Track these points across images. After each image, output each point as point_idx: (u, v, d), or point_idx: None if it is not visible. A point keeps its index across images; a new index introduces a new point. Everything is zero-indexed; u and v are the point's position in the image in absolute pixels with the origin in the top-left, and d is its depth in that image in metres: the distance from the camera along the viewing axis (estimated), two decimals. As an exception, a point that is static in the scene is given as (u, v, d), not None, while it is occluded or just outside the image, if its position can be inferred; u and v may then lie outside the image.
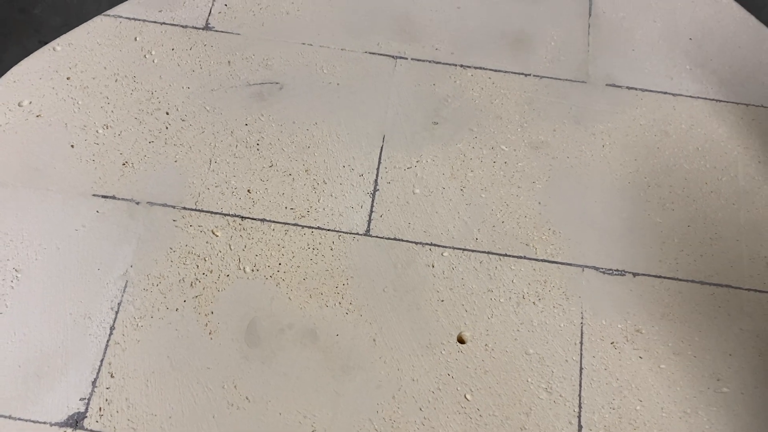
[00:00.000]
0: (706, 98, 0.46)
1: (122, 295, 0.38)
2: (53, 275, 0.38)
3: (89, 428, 0.36)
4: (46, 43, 0.86)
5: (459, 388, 0.37)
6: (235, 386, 0.37)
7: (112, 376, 0.37)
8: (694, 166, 0.43)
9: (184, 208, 0.40)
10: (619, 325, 0.38)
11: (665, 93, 0.45)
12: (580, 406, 0.37)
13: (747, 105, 0.46)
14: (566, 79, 0.45)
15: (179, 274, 0.38)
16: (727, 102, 0.46)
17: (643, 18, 0.48)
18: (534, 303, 0.39)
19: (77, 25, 0.87)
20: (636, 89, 0.46)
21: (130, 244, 0.39)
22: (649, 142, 0.43)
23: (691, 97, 0.46)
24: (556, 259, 0.40)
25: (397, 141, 0.43)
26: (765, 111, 0.46)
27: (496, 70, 0.45)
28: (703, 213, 0.42)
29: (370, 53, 0.45)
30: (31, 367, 0.36)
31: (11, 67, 0.86)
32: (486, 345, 0.38)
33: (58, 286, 0.38)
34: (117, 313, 0.38)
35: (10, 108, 0.42)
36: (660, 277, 0.40)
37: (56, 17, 0.88)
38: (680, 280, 0.40)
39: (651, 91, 0.45)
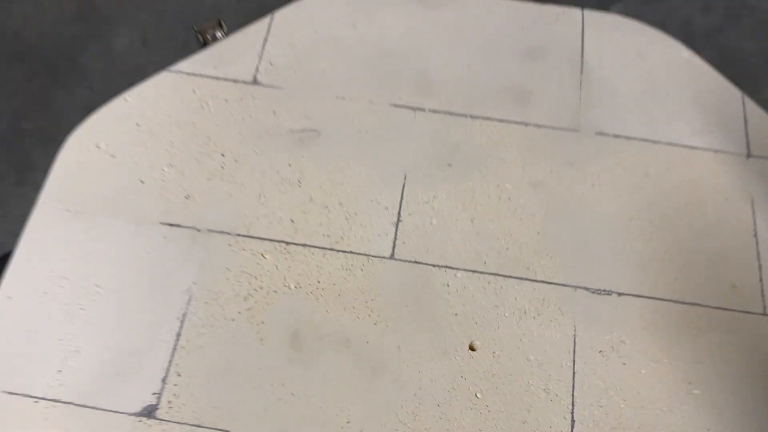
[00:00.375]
0: (680, 145, 0.53)
1: (187, 308, 0.45)
2: (128, 290, 0.45)
3: (160, 418, 0.42)
4: (92, 88, 0.94)
5: (470, 388, 0.43)
6: (282, 384, 0.43)
7: (179, 375, 0.43)
8: (671, 203, 0.50)
9: (238, 235, 0.47)
10: (606, 337, 0.45)
11: (646, 140, 0.53)
12: (573, 404, 0.43)
13: (716, 151, 0.53)
14: (561, 128, 0.52)
15: (234, 290, 0.45)
16: (699, 148, 0.53)
17: (627, 76, 0.56)
18: (534, 317, 0.46)
19: (121, 72, 0.96)
20: (621, 137, 0.53)
21: (193, 265, 0.46)
22: (631, 182, 0.50)
23: (668, 144, 0.53)
24: (552, 281, 0.47)
25: (417, 180, 0.50)
26: (731, 156, 0.53)
27: (500, 120, 0.53)
28: (678, 243, 0.49)
29: (394, 105, 0.53)
30: (112, 366, 0.42)
31: (58, 107, 0.94)
32: (493, 352, 0.44)
33: (133, 299, 0.44)
34: (182, 322, 0.44)
35: (89, 149, 0.50)
36: (641, 296, 0.46)
37: (99, 64, 0.97)
38: (658, 299, 0.47)
39: (634, 138, 0.53)
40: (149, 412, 0.41)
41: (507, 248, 0.47)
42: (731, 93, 0.55)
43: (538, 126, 0.52)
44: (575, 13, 0.58)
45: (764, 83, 0.98)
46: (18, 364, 0.42)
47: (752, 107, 0.54)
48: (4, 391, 0.41)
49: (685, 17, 1.03)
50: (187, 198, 0.48)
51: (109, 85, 0.93)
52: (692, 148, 0.52)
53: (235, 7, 0.99)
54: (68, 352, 0.43)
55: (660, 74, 0.56)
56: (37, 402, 0.41)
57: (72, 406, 0.41)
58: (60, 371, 0.42)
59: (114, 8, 0.99)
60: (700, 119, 0.53)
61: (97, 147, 0.50)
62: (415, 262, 0.47)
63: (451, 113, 0.52)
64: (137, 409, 0.41)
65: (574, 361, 0.44)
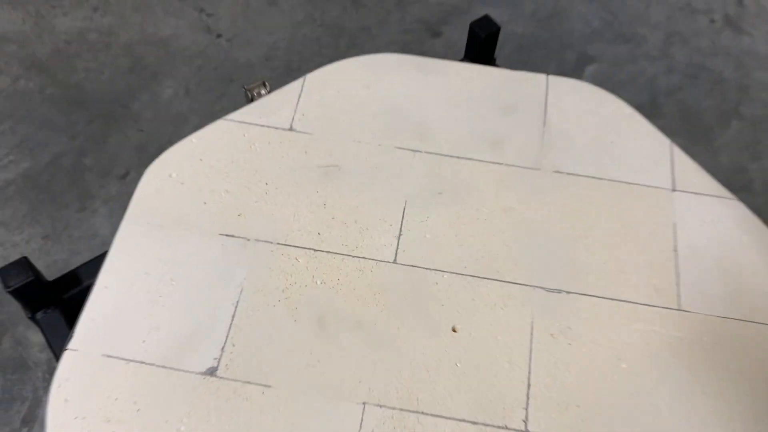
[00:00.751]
0: (620, 181, 0.67)
1: (239, 297, 0.59)
2: (195, 283, 0.59)
3: (220, 376, 0.55)
4: (142, 131, 1.09)
5: (452, 359, 0.57)
6: (310, 353, 0.56)
7: (233, 345, 0.56)
8: (610, 226, 0.63)
9: (278, 243, 0.61)
10: (556, 324, 0.58)
11: (592, 177, 0.67)
12: (529, 372, 0.56)
13: (648, 186, 0.67)
14: (526, 167, 0.67)
15: (275, 284, 0.59)
16: (634, 184, 0.67)
17: (580, 127, 0.70)
18: (501, 308, 0.59)
19: (166, 118, 1.11)
20: (573, 174, 0.67)
21: (243, 266, 0.60)
22: (580, 209, 0.64)
23: (610, 180, 0.67)
24: (517, 282, 0.60)
25: (414, 204, 0.64)
26: (659, 190, 0.67)
27: (480, 161, 0.67)
28: (614, 255, 0.62)
29: (398, 147, 0.67)
30: (183, 338, 0.56)
31: (113, 146, 1.09)
32: (470, 333, 0.58)
33: (199, 290, 0.58)
34: (236, 307, 0.58)
35: (163, 178, 0.64)
36: (584, 294, 0.60)
37: (148, 111, 1.13)
38: (597, 297, 0.60)
39: (583, 176, 0.67)
40: (211, 372, 0.55)
41: (483, 256, 0.61)
42: (662, 141, 0.69)
43: (509, 165, 0.67)
44: (541, 78, 0.73)
45: (716, 132, 1.13)
46: (113, 336, 0.56)
47: (677, 152, 0.69)
48: (103, 354, 0.55)
49: (650, 77, 1.19)
50: (239, 215, 0.62)
51: (157, 129, 1.08)
52: (629, 183, 0.66)
53: (264, 65, 1.16)
54: (150, 327, 0.56)
55: (606, 126, 0.70)
56: (127, 363, 0.55)
57: (154, 366, 0.55)
58: (144, 341, 0.56)
59: (161, 64, 1.16)
60: (637, 161, 0.68)
61: (170, 176, 0.64)
62: (413, 266, 0.60)
63: (441, 154, 0.67)
64: (202, 369, 0.55)
65: (531, 341, 0.57)
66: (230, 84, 1.12)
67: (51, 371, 0.88)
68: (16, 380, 0.86)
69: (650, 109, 1.12)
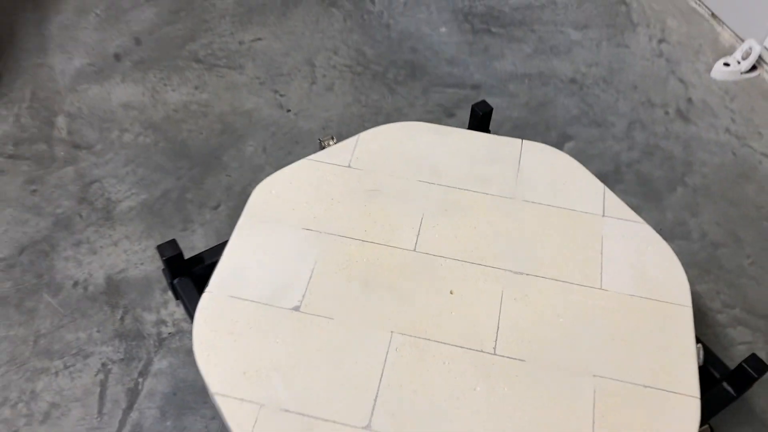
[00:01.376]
0: (567, 208, 0.98)
1: (314, 267, 0.89)
2: (286, 257, 0.89)
3: (302, 311, 0.85)
4: (230, 176, 1.42)
5: (449, 310, 0.86)
6: (359, 300, 0.86)
7: (311, 294, 0.86)
8: (559, 234, 0.94)
9: (339, 235, 0.92)
10: (518, 293, 0.87)
11: (549, 205, 0.97)
12: (498, 320, 0.85)
13: (587, 213, 0.97)
14: (504, 197, 0.98)
15: (337, 260, 0.89)
16: (578, 211, 0.98)
17: (542, 173, 1.02)
18: (483, 282, 0.88)
19: (248, 167, 1.43)
20: (535, 203, 0.98)
21: (317, 249, 0.91)
22: (540, 223, 0.94)
23: (560, 207, 0.98)
24: (494, 266, 0.89)
25: (429, 216, 0.95)
26: (593, 216, 0.98)
27: (474, 191, 0.98)
28: (561, 252, 0.92)
29: (420, 180, 0.98)
30: (279, 289, 0.86)
31: (208, 186, 1.40)
32: (461, 296, 0.87)
33: (288, 261, 0.89)
34: (312, 272, 0.88)
35: (267, 193, 0.96)
36: (537, 276, 0.89)
37: (234, 162, 1.47)
38: (545, 278, 0.90)
39: (542, 204, 0.97)
40: (296, 308, 0.85)
41: (472, 250, 0.91)
42: (598, 185, 1.00)
43: (493, 195, 0.98)
44: (518, 141, 1.06)
45: (664, 195, 1.43)
46: (234, 285, 0.87)
47: (609, 193, 0.99)
48: (228, 295, 0.86)
49: (615, 153, 1.51)
50: (314, 218, 0.94)
51: (241, 175, 1.42)
52: (574, 210, 0.97)
53: (321, 132, 1.50)
54: (258, 281, 0.87)
55: (560, 173, 1.02)
56: (243, 301, 0.85)
57: (260, 303, 0.85)
58: (254, 289, 0.86)
59: (245, 129, 1.51)
60: (580, 196, 0.99)
61: (270, 192, 0.97)
62: (426, 253, 0.91)
63: (448, 186, 0.99)
64: (290, 306, 0.85)
65: (501, 302, 0.86)
66: (296, 145, 1.46)
67: (160, 341, 1.18)
68: (134, 346, 1.16)
69: (614, 176, 1.44)
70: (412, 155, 1.02)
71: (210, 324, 0.83)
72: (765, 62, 1.64)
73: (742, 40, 1.66)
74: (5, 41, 1.65)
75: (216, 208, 1.33)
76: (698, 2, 1.81)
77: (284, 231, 0.92)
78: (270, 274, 0.88)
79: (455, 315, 0.85)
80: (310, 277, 0.87)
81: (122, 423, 1.07)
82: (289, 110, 1.52)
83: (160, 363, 1.14)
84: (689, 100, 1.59)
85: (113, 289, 1.22)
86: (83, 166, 1.41)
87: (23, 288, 1.22)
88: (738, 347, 1.19)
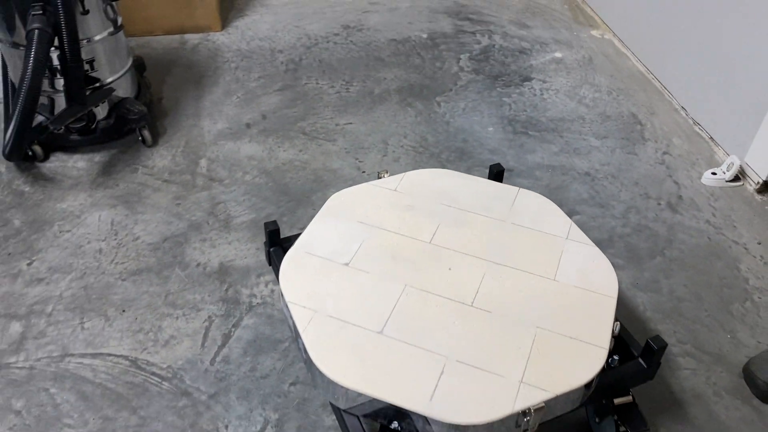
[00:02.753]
0: (542, 231, 1.37)
1: (361, 244, 1.31)
2: (342, 237, 1.32)
3: (351, 266, 1.27)
4: (314, 209, 1.89)
5: (446, 278, 1.24)
6: (388, 264, 1.27)
7: (357, 258, 1.28)
8: (532, 245, 1.32)
9: (381, 228, 1.35)
10: (495, 275, 1.26)
11: (529, 228, 1.36)
12: (478, 289, 1.23)
13: (554, 235, 1.36)
14: (499, 220, 1.39)
15: (377, 243, 1.31)
16: (548, 233, 1.36)
17: (527, 209, 1.42)
18: (472, 265, 1.28)
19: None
20: (520, 226, 1.38)
21: (366, 233, 1.34)
22: (519, 238, 1.34)
23: (537, 230, 1.37)
24: (481, 257, 1.28)
25: (444, 225, 1.37)
26: (556, 238, 1.36)
27: (477, 214, 1.40)
28: (530, 256, 1.30)
29: (441, 203, 1.40)
30: (335, 252, 1.29)
31: (299, 214, 1.88)
32: (457, 272, 1.26)
33: (345, 240, 1.31)
34: (359, 247, 1.31)
35: (337, 199, 1.42)
36: (511, 267, 1.28)
37: (321, 201, 1.94)
38: (516, 269, 1.28)
39: (524, 227, 1.37)
40: (346, 264, 1.27)
41: (470, 246, 1.31)
42: (566, 219, 1.39)
43: (491, 218, 1.38)
44: (516, 188, 1.47)
45: (645, 261, 1.77)
46: (309, 247, 1.30)
47: (574, 226, 1.38)
48: (305, 252, 1.29)
49: (611, 227, 1.86)
50: (366, 216, 1.37)
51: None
52: (545, 233, 1.36)
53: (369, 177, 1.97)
54: (322, 245, 1.30)
55: (540, 210, 1.41)
56: (311, 256, 1.28)
57: (323, 258, 1.28)
58: (323, 249, 1.29)
59: (330, 180, 2.00)
60: (552, 226, 1.37)
61: (340, 199, 1.42)
62: (437, 245, 1.31)
63: (460, 209, 1.40)
64: (343, 262, 1.27)
65: (482, 279, 1.25)
66: (366, 195, 1.92)
67: (250, 307, 1.61)
68: (232, 308, 1.60)
69: (607, 242, 1.80)
70: (439, 188, 1.46)
71: (291, 267, 1.27)
72: (747, 175, 2.00)
73: (728, 156, 2.03)
74: (173, 108, 2.26)
75: (302, 228, 1.80)
76: (700, 127, 2.22)
77: (345, 222, 1.36)
78: (332, 244, 1.31)
79: (449, 281, 1.24)
80: (358, 249, 1.30)
81: (216, 354, 1.49)
82: (363, 171, 2.01)
83: (248, 320, 1.57)
84: (680, 197, 1.96)
85: (223, 271, 1.68)
86: (214, 192, 1.93)
87: (162, 263, 1.71)
88: (683, 371, 1.49)
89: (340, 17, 2.85)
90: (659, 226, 1.85)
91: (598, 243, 1.74)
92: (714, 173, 1.99)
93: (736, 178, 1.98)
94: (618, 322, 1.20)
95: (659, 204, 1.92)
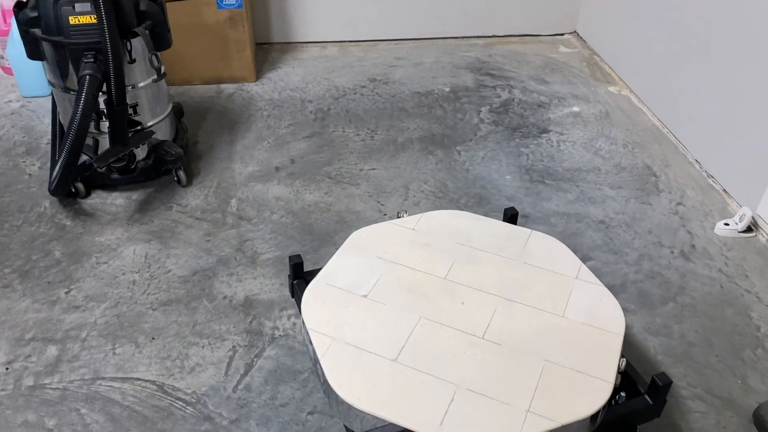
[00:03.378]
0: (553, 271, 1.42)
1: (379, 277, 1.38)
2: (362, 271, 1.40)
3: (369, 298, 1.33)
4: (335, 247, 1.97)
5: (459, 311, 1.30)
6: (405, 297, 1.33)
7: (375, 290, 1.35)
8: (545, 281, 1.38)
9: (398, 264, 1.41)
10: (505, 310, 1.31)
11: (541, 268, 1.42)
12: (490, 321, 1.29)
13: (565, 275, 1.41)
14: (512, 259, 1.45)
15: (395, 277, 1.38)
16: (560, 273, 1.42)
17: (539, 250, 1.48)
18: (484, 300, 1.33)
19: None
20: (533, 266, 1.43)
21: (384, 268, 1.41)
22: (532, 276, 1.39)
23: (549, 270, 1.42)
24: (493, 293, 1.34)
25: (458, 262, 1.43)
26: (568, 276, 1.41)
27: (491, 253, 1.46)
28: (539, 291, 1.35)
29: (456, 242, 1.48)
30: (355, 284, 1.36)
31: (321, 253, 1.96)
32: (470, 306, 1.31)
33: (365, 273, 1.38)
34: (377, 280, 1.38)
35: (358, 236, 1.49)
36: (521, 303, 1.33)
37: (341, 240, 2.02)
38: (525, 305, 1.33)
39: (537, 267, 1.42)
40: (365, 296, 1.33)
41: (483, 282, 1.37)
42: (576, 261, 1.44)
43: (505, 257, 1.45)
44: (529, 230, 1.53)
45: (658, 307, 1.80)
46: (330, 279, 1.37)
47: (584, 267, 1.43)
48: (327, 284, 1.36)
49: (624, 273, 1.90)
50: (384, 252, 1.44)
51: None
52: (557, 273, 1.41)
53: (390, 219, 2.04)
54: (342, 278, 1.37)
55: (553, 251, 1.47)
56: (333, 288, 1.35)
57: (345, 291, 1.35)
58: (338, 280, 1.36)
59: (353, 222, 2.08)
60: (564, 265, 1.42)
61: (361, 236, 1.49)
62: (451, 281, 1.38)
63: (474, 248, 1.47)
64: (362, 294, 1.34)
65: (493, 313, 1.30)
66: (386, 236, 1.99)
67: (273, 339, 1.68)
68: (255, 339, 1.66)
69: (619, 288, 1.84)
70: (456, 228, 1.53)
71: (312, 296, 1.34)
72: (759, 226, 2.03)
73: (741, 207, 2.08)
74: (207, 151, 2.39)
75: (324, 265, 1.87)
76: (714, 180, 2.27)
77: (365, 257, 1.44)
78: (352, 276, 1.38)
79: (462, 314, 1.30)
80: (376, 282, 1.37)
81: (239, 382, 1.55)
82: (385, 213, 2.09)
83: (270, 351, 1.63)
84: (693, 246, 2.00)
85: (248, 304, 1.76)
86: (243, 230, 2.03)
87: (191, 294, 1.79)
88: (693, 414, 1.51)
89: (367, 71, 2.99)
90: (672, 273, 1.89)
91: (611, 288, 1.79)
92: (727, 224, 2.04)
93: (748, 229, 2.02)
94: (624, 359, 1.24)
95: (672, 252, 1.96)
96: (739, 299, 1.81)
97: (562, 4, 3.26)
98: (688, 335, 1.69)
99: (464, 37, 3.30)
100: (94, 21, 1.83)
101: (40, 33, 1.91)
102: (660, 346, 1.66)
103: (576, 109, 2.71)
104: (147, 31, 1.96)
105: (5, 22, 2.72)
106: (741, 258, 1.95)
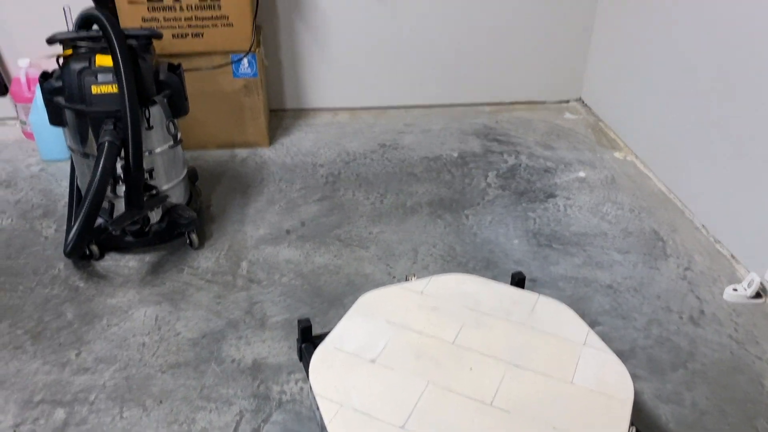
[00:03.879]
0: (561, 337, 1.42)
1: (387, 341, 1.39)
2: (370, 335, 1.40)
3: (377, 363, 1.33)
4: (344, 308, 1.98)
5: (467, 378, 1.30)
6: (416, 359, 1.33)
7: (383, 355, 1.35)
8: (553, 347, 1.37)
9: (407, 328, 1.42)
10: (512, 375, 1.31)
11: (550, 333, 1.42)
12: (496, 392, 1.28)
13: (573, 341, 1.41)
14: (521, 323, 1.45)
15: (403, 341, 1.38)
16: (568, 339, 1.41)
17: (546, 316, 1.48)
18: (492, 367, 1.33)
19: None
20: (541, 330, 1.43)
21: (392, 332, 1.41)
22: (542, 341, 1.39)
23: (557, 336, 1.42)
24: (500, 358, 1.34)
25: (466, 326, 1.44)
26: (576, 343, 1.41)
27: (499, 317, 1.47)
28: (549, 355, 1.35)
29: (463, 305, 1.49)
30: (362, 349, 1.36)
31: (332, 315, 1.97)
32: (477, 372, 1.31)
33: (371, 337, 1.38)
34: (385, 345, 1.38)
35: (366, 299, 1.51)
36: (529, 370, 1.32)
37: (350, 302, 2.03)
38: (532, 371, 1.32)
39: (545, 332, 1.43)
40: (372, 360, 1.34)
41: (491, 348, 1.37)
42: (584, 327, 1.45)
43: (511, 321, 1.45)
44: (537, 294, 1.54)
45: (668, 373, 1.78)
46: (337, 341, 1.38)
47: (591, 333, 1.43)
48: (334, 347, 1.37)
49: (633, 338, 1.89)
50: (393, 314, 1.45)
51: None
52: (566, 338, 1.41)
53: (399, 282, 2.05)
54: (350, 340, 1.38)
55: (561, 316, 1.47)
56: (341, 351, 1.36)
57: (352, 355, 1.35)
58: (344, 344, 1.37)
59: (363, 284, 2.10)
60: (572, 330, 1.42)
61: (370, 299, 1.51)
62: (460, 345, 1.38)
63: (482, 312, 1.48)
64: (369, 359, 1.34)
65: (502, 379, 1.30)
66: (395, 299, 2.01)
67: (280, 403, 1.67)
68: (262, 403, 1.65)
69: (629, 354, 1.83)
70: (463, 292, 1.54)
71: (320, 361, 1.34)
72: (768, 292, 2.03)
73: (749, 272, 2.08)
74: (220, 214, 2.44)
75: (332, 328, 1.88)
76: (721, 245, 2.28)
77: (373, 320, 1.45)
78: (360, 340, 1.39)
79: (470, 380, 1.30)
80: (384, 346, 1.38)
81: (245, 447, 1.54)
82: (394, 276, 2.11)
83: (277, 416, 1.62)
84: (702, 311, 1.99)
85: (256, 368, 1.76)
86: (252, 293, 2.05)
87: (200, 357, 1.79)
88: (708, 485, 1.47)
89: (378, 137, 3.07)
90: (681, 339, 1.87)
91: (620, 354, 1.77)
92: (735, 289, 2.03)
93: (757, 295, 2.02)
94: (634, 427, 1.23)
95: (681, 318, 1.96)
96: (751, 366, 1.79)
97: (567, 72, 3.36)
98: (699, 403, 1.67)
99: (472, 104, 3.38)
100: (115, 90, 1.91)
101: (64, 101, 1.98)
102: (671, 414, 1.64)
103: (582, 174, 2.75)
104: (165, 100, 2.03)
105: (29, 90, 2.83)
106: (751, 324, 1.94)
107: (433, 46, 3.21)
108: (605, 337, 1.88)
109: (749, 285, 2.01)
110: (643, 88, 2.81)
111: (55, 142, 2.66)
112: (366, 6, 3.06)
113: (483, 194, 2.61)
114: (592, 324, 1.91)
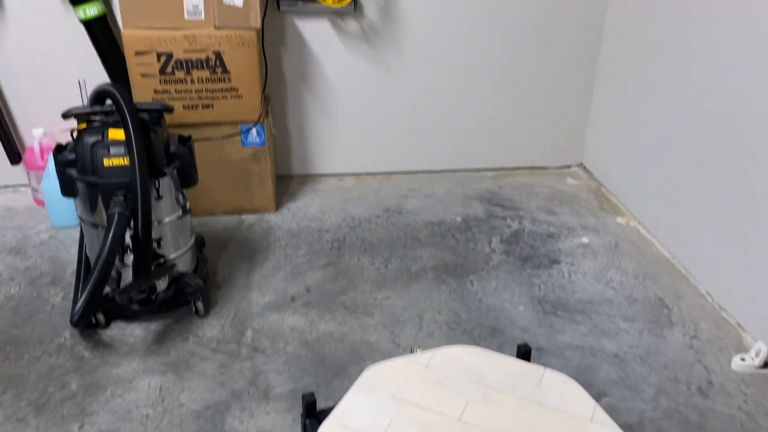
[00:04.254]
0: (569, 412, 1.40)
1: (392, 418, 1.37)
2: (375, 411, 1.39)
3: (380, 440, 1.32)
4: (350, 380, 1.96)
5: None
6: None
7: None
8: (559, 419, 1.36)
9: (412, 403, 1.41)
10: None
11: (556, 408, 1.41)
12: (505, 467, 1.25)
13: (581, 416, 1.39)
14: (526, 398, 1.44)
15: (408, 417, 1.37)
16: (577, 415, 1.40)
17: (552, 387, 1.47)
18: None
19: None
20: (547, 406, 1.42)
21: (397, 408, 1.40)
22: (547, 413, 1.38)
23: (565, 411, 1.40)
24: None
25: (473, 401, 1.43)
26: (583, 418, 1.39)
27: (505, 392, 1.45)
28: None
29: (470, 380, 1.49)
30: (368, 426, 1.35)
31: (337, 386, 1.95)
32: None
33: (377, 414, 1.38)
34: (390, 421, 1.37)
35: (372, 371, 1.50)
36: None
37: (357, 372, 2.01)
38: (543, 450, 1.30)
39: (552, 408, 1.41)
40: (378, 439, 1.32)
41: (499, 424, 1.36)
42: (591, 402, 1.43)
43: (518, 396, 1.44)
44: (542, 367, 1.53)
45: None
46: (344, 419, 1.37)
47: (598, 408, 1.41)
48: (339, 424, 1.35)
49: (641, 410, 1.87)
50: (399, 388, 1.45)
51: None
52: (573, 414, 1.40)
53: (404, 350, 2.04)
54: (361, 422, 1.37)
55: (567, 390, 1.46)
56: (346, 426, 1.34)
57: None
58: (349, 423, 1.35)
59: (365, 355, 2.08)
60: (579, 406, 1.41)
61: (374, 373, 1.50)
62: (466, 422, 1.37)
63: (489, 387, 1.47)
64: (374, 437, 1.32)
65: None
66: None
67: (283, 479, 1.63)
68: (266, 479, 1.63)
69: (638, 427, 1.80)
70: (469, 365, 1.53)
71: (326, 438, 1.33)
72: (777, 362, 2.01)
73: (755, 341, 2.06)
74: (226, 280, 2.45)
75: (338, 400, 1.86)
76: (727, 313, 2.27)
77: (378, 396, 1.43)
78: (365, 417, 1.37)
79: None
80: (389, 423, 1.36)
81: None
82: (399, 345, 2.10)
83: (280, 493, 1.59)
84: (710, 382, 1.97)
85: (260, 441, 1.74)
86: (257, 362, 2.04)
87: (203, 430, 1.77)
88: None
89: (382, 201, 3.11)
90: (690, 411, 1.85)
91: (629, 427, 1.75)
92: (743, 359, 2.01)
93: (765, 365, 2.00)
94: None
95: (689, 389, 1.93)
96: (760, 439, 1.75)
97: (568, 138, 3.42)
98: (712, 479, 1.63)
99: (475, 170, 3.44)
100: (127, 163, 1.96)
101: (76, 173, 2.03)
102: (683, 491, 1.60)
103: (585, 240, 2.77)
104: (175, 171, 2.08)
105: (42, 158, 2.89)
106: (760, 395, 1.91)
107: (437, 113, 3.28)
108: (613, 409, 1.86)
109: (757, 354, 2.00)
110: (644, 154, 2.85)
111: (65, 209, 2.71)
112: (373, 76, 3.15)
113: (487, 259, 2.62)
114: (600, 395, 1.89)
